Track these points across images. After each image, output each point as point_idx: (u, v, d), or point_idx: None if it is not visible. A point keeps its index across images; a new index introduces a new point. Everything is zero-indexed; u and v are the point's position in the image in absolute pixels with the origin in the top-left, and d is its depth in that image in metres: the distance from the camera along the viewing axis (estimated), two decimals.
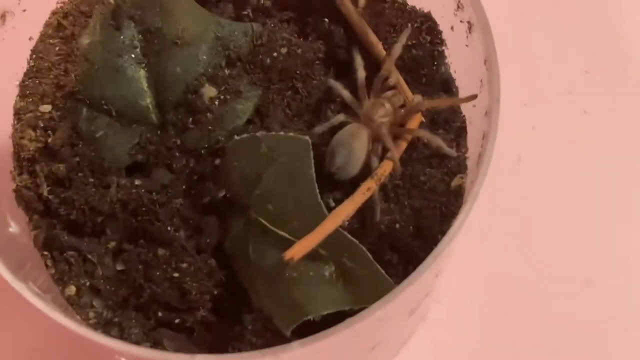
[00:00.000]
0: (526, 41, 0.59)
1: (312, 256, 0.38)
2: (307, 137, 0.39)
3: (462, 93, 0.44)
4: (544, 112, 0.58)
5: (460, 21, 0.40)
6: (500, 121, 0.55)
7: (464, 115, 0.43)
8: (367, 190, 0.39)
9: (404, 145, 0.42)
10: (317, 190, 0.38)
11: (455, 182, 0.42)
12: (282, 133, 0.40)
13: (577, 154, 0.57)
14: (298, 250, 0.36)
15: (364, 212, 0.41)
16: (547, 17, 0.60)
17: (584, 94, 0.59)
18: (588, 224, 0.55)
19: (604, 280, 0.53)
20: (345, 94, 0.42)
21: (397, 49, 0.42)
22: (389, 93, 0.42)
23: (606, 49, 0.60)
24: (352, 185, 0.41)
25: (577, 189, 0.56)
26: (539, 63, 0.59)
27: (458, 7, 0.40)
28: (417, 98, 0.42)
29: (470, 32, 0.39)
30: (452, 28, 0.42)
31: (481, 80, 0.38)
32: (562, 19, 0.61)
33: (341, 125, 0.42)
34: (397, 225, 0.41)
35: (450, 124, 0.43)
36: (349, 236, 0.38)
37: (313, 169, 0.39)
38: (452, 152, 0.42)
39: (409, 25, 0.43)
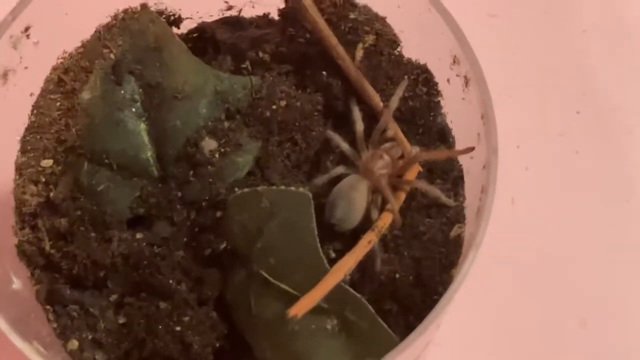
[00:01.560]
0: (517, 83, 0.60)
1: (314, 309, 0.38)
2: (307, 192, 0.39)
3: (459, 142, 0.44)
4: (537, 153, 0.59)
5: (457, 75, 0.41)
6: None
7: (461, 165, 0.44)
8: (368, 243, 0.40)
9: (402, 196, 0.42)
10: (319, 244, 0.39)
11: (454, 231, 0.42)
12: (283, 187, 0.40)
13: (570, 194, 0.58)
14: (301, 307, 0.36)
15: (364, 262, 0.41)
16: (537, 59, 0.61)
17: (576, 134, 0.59)
18: (583, 265, 0.55)
19: (598, 321, 0.53)
20: (344, 145, 0.42)
21: (395, 101, 0.42)
22: (388, 145, 0.42)
23: (597, 89, 0.61)
24: (352, 236, 0.41)
25: (571, 230, 0.56)
26: (530, 105, 0.60)
27: (454, 61, 0.40)
28: (415, 149, 0.42)
29: (466, 87, 0.40)
30: (448, 81, 0.42)
31: (478, 134, 0.38)
32: (551, 60, 0.61)
33: (340, 177, 0.42)
34: (397, 275, 0.41)
35: (448, 173, 0.43)
36: (351, 290, 0.38)
37: (314, 223, 0.39)
38: (450, 201, 0.42)
39: (406, 77, 0.43)
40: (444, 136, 0.44)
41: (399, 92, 0.42)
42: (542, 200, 0.57)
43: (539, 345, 0.53)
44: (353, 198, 0.41)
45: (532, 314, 0.54)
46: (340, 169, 0.42)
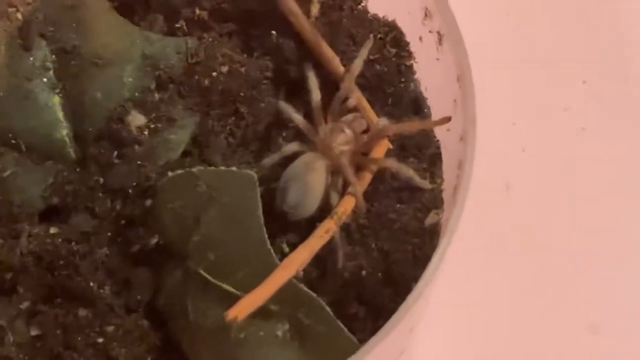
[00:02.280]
0: (513, 49, 0.59)
1: (261, 313, 0.38)
2: (252, 172, 0.39)
3: (435, 114, 0.43)
4: (536, 131, 0.58)
5: (430, 31, 0.40)
6: (485, 144, 0.55)
7: (438, 140, 0.43)
8: (325, 232, 0.39)
9: (368, 177, 0.42)
10: (266, 235, 0.38)
11: (429, 219, 0.41)
12: (223, 168, 0.40)
13: (575, 179, 0.57)
14: (243, 308, 0.36)
15: (324, 258, 0.40)
16: (537, 21, 0.61)
17: (582, 108, 0.59)
18: (589, 260, 0.55)
19: (610, 326, 0.53)
20: (298, 118, 0.42)
21: (358, 65, 0.42)
22: (349, 116, 0.42)
23: (606, 55, 0.61)
24: (309, 227, 0.40)
25: (575, 220, 0.56)
26: (528, 74, 0.60)
27: (426, 14, 0.40)
28: (383, 121, 0.42)
29: (440, 44, 0.39)
30: (420, 39, 0.42)
31: (455, 100, 0.38)
32: (554, 23, 0.61)
33: (295, 156, 0.42)
34: (364, 272, 0.41)
35: (423, 150, 0.43)
36: (305, 288, 0.38)
37: (260, 210, 0.38)
38: (426, 183, 0.42)
39: (371, 36, 0.43)
40: (417, 106, 0.44)
41: (363, 54, 0.42)
42: (541, 187, 0.57)
43: (541, 355, 0.52)
44: (309, 180, 0.40)
45: (533, 319, 0.54)
46: (293, 146, 0.41)
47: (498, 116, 0.57)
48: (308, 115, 0.42)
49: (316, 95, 0.42)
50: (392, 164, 0.41)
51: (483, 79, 0.55)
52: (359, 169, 0.41)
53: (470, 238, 0.54)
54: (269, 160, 0.41)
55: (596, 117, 0.58)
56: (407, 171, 0.41)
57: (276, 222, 0.41)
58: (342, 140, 0.41)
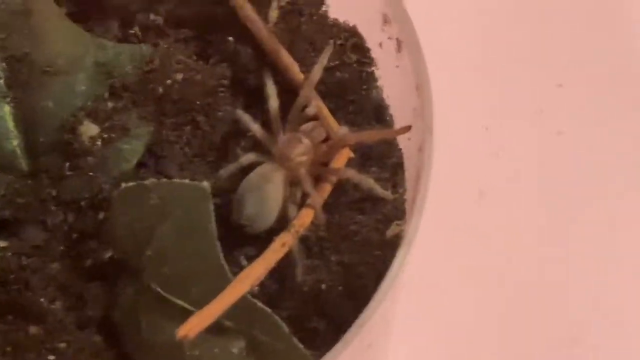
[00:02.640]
0: (486, 51, 0.60)
1: (216, 330, 0.38)
2: (205, 184, 0.39)
3: (398, 122, 0.44)
4: (510, 135, 0.59)
5: (389, 38, 0.41)
6: (457, 149, 0.56)
7: (401, 149, 0.44)
8: (281, 246, 0.39)
9: (328, 188, 0.42)
10: (220, 249, 0.38)
11: (391, 230, 0.42)
12: (176, 180, 0.40)
13: (551, 186, 0.58)
14: (195, 325, 0.36)
15: (282, 271, 0.41)
16: (511, 23, 0.61)
17: (558, 111, 0.60)
18: (568, 271, 0.56)
19: (591, 341, 0.54)
20: (255, 127, 0.42)
21: (317, 72, 0.42)
22: (308, 125, 0.42)
23: (582, 57, 0.61)
24: (268, 239, 0.41)
25: (553, 230, 0.57)
26: (501, 76, 0.60)
27: (385, 20, 0.40)
28: (343, 130, 0.42)
29: (399, 52, 0.40)
30: (380, 45, 0.42)
31: (414, 109, 0.39)
32: (528, 24, 0.62)
33: (252, 166, 0.42)
34: (324, 286, 0.41)
35: (385, 159, 0.43)
36: (259, 304, 0.38)
37: (214, 223, 0.39)
38: (387, 194, 0.42)
39: (331, 42, 0.43)
40: (379, 113, 0.44)
41: (323, 61, 0.42)
42: (516, 194, 0.58)
43: None
44: (266, 192, 0.41)
45: (509, 332, 0.55)
46: (251, 157, 0.42)
47: (471, 120, 0.58)
48: (266, 124, 0.43)
49: (274, 103, 0.42)
50: (353, 174, 0.42)
51: (455, 82, 0.56)
52: (318, 179, 0.42)
53: (442, 247, 0.55)
54: (226, 171, 0.42)
55: (572, 121, 0.59)
56: (368, 182, 0.41)
57: (234, 234, 0.41)
58: (301, 150, 0.41)
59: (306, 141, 0.42)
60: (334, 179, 0.42)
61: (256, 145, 0.43)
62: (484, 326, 0.55)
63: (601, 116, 0.60)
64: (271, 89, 0.42)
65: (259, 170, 0.42)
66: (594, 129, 0.59)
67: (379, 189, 0.42)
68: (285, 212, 0.41)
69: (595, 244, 0.57)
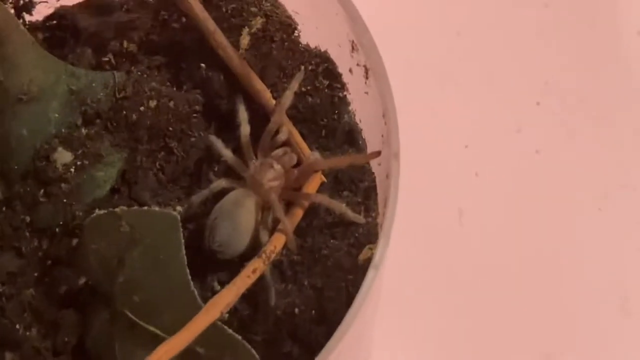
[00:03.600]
0: (463, 70, 0.60)
1: (188, 356, 0.38)
2: (175, 213, 0.39)
3: (371, 146, 0.44)
4: (489, 154, 0.59)
5: (357, 64, 0.41)
6: (437, 168, 0.56)
7: (373, 173, 0.44)
8: (252, 272, 0.40)
9: (299, 213, 0.42)
10: (189, 277, 0.39)
11: (363, 254, 0.42)
12: (145, 208, 0.40)
13: (531, 204, 0.58)
14: (164, 353, 0.36)
15: (255, 295, 0.41)
16: (489, 42, 0.62)
17: (536, 130, 0.60)
18: (545, 291, 0.56)
19: (564, 356, 0.54)
20: (227, 153, 0.42)
21: (288, 97, 0.42)
22: (279, 151, 0.42)
23: (560, 75, 0.61)
24: (241, 264, 0.41)
25: (533, 248, 0.57)
26: (480, 96, 0.60)
27: (353, 47, 0.40)
28: (314, 156, 0.42)
29: (367, 78, 0.40)
30: (350, 71, 0.42)
31: (382, 135, 0.39)
32: (506, 43, 0.62)
33: (225, 192, 0.42)
34: (297, 310, 0.41)
35: (357, 183, 0.44)
36: (229, 331, 0.38)
37: (183, 251, 0.39)
38: (360, 218, 0.42)
39: (302, 68, 0.43)
40: (352, 138, 0.45)
41: (294, 86, 0.42)
42: (496, 213, 0.58)
43: None
44: (237, 218, 0.41)
45: (484, 350, 0.55)
46: (222, 183, 0.42)
47: (450, 139, 0.58)
48: (239, 149, 0.43)
49: (245, 129, 0.42)
50: (324, 199, 0.42)
51: (433, 101, 0.56)
52: (290, 204, 0.42)
53: (423, 266, 0.55)
54: (198, 197, 0.42)
55: (550, 140, 0.59)
56: (339, 206, 0.42)
57: (207, 260, 0.41)
58: (272, 175, 0.42)
59: (278, 167, 0.42)
60: (305, 203, 0.42)
61: (229, 171, 0.43)
62: (464, 345, 0.55)
63: (578, 134, 0.60)
64: (243, 115, 0.43)
65: (230, 196, 0.42)
66: (571, 147, 0.59)
67: (350, 213, 0.42)
68: (257, 237, 0.41)
69: (574, 260, 0.57)
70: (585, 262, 0.56)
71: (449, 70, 0.61)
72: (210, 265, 0.41)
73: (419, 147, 0.52)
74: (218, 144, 0.43)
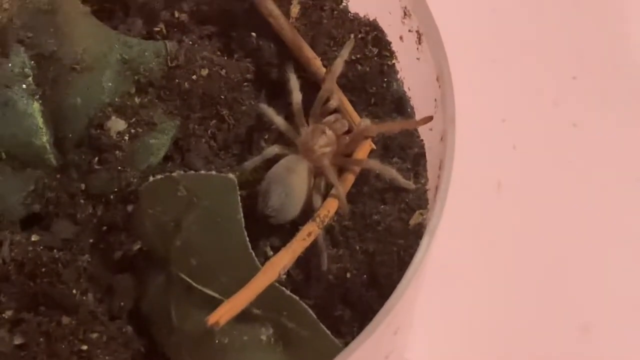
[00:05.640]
0: (500, 45, 0.60)
1: (245, 317, 0.39)
2: (232, 176, 0.40)
3: (419, 113, 0.44)
4: (526, 128, 0.59)
5: (409, 30, 0.41)
6: (475, 142, 0.56)
7: (422, 140, 0.44)
8: (307, 235, 0.40)
9: (351, 178, 0.42)
10: (247, 239, 0.39)
11: (414, 219, 0.42)
12: (203, 172, 0.41)
13: (568, 176, 0.58)
14: (224, 313, 0.37)
15: (308, 260, 0.41)
16: (524, 16, 0.62)
17: (572, 104, 0.60)
18: (584, 263, 0.56)
19: (603, 327, 0.54)
20: (279, 120, 0.43)
21: (339, 65, 0.42)
22: (331, 118, 0.43)
23: (596, 49, 0.61)
24: (293, 229, 0.41)
25: (570, 220, 0.57)
26: (517, 70, 0.60)
27: (405, 14, 0.41)
28: (365, 122, 0.43)
29: (420, 44, 0.40)
30: (401, 38, 0.43)
31: (435, 100, 0.39)
32: (541, 17, 0.62)
33: (277, 159, 0.42)
34: (349, 275, 0.41)
35: (406, 150, 0.44)
36: (287, 292, 0.39)
37: (241, 214, 0.39)
38: (410, 184, 0.42)
39: (352, 36, 0.44)
40: (400, 106, 0.45)
41: (344, 54, 0.43)
42: (533, 185, 0.58)
43: (532, 356, 0.53)
44: (290, 183, 0.41)
45: (526, 320, 0.55)
46: (275, 149, 0.42)
47: (488, 113, 0.58)
48: (290, 117, 0.43)
49: (297, 96, 0.43)
50: (375, 164, 0.42)
51: (472, 76, 0.56)
52: (341, 170, 0.42)
53: (462, 237, 0.55)
54: (250, 163, 0.42)
55: (587, 113, 0.59)
56: (390, 172, 0.42)
57: (260, 225, 0.41)
58: (324, 142, 0.42)
59: (329, 133, 0.42)
60: (356, 169, 0.42)
61: (280, 138, 0.43)
62: (502, 313, 0.55)
63: (615, 107, 0.60)
64: (294, 83, 0.43)
65: (283, 162, 0.42)
66: (608, 120, 0.59)
67: (400, 179, 0.42)
68: (310, 203, 0.42)
69: (611, 232, 0.57)
70: (624, 233, 0.56)
71: (485, 45, 0.61)
72: (262, 230, 0.42)
73: (458, 120, 0.52)
74: (269, 111, 0.43)
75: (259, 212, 0.42)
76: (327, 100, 0.43)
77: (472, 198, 0.57)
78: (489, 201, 0.57)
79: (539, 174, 0.58)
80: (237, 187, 0.39)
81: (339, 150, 0.43)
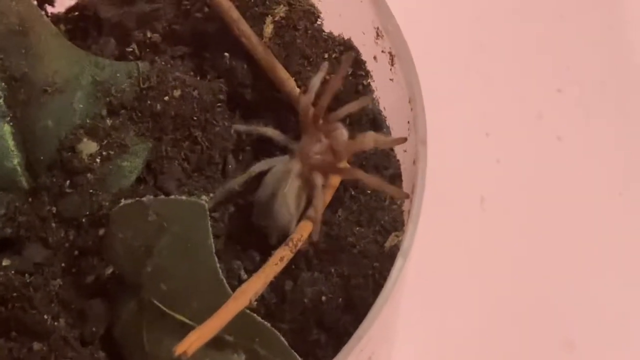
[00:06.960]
0: (484, 58, 0.60)
1: (217, 344, 0.38)
2: (202, 201, 0.39)
3: (394, 133, 0.44)
4: (510, 142, 0.59)
5: (382, 51, 0.41)
6: (458, 156, 0.56)
7: (398, 160, 0.44)
8: (280, 260, 0.39)
9: (331, 190, 0.42)
10: (217, 264, 0.39)
11: (389, 242, 0.42)
12: (173, 197, 0.40)
13: (552, 191, 0.58)
14: (193, 341, 0.36)
15: (283, 284, 0.41)
16: (509, 29, 0.61)
17: (557, 117, 0.59)
18: (567, 277, 0.56)
19: (585, 343, 0.54)
20: (270, 130, 0.42)
21: (315, 85, 0.41)
22: (331, 127, 0.42)
23: (580, 62, 0.61)
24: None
25: (554, 234, 0.57)
26: (501, 83, 0.60)
27: (377, 34, 0.40)
28: (369, 134, 0.41)
29: (392, 65, 0.40)
30: (375, 58, 0.42)
31: (408, 122, 0.39)
32: (527, 30, 0.61)
33: (261, 175, 0.42)
34: (324, 298, 0.41)
35: (382, 170, 0.43)
36: (259, 318, 0.38)
37: (211, 239, 0.39)
38: (400, 191, 0.42)
39: (326, 59, 0.43)
40: (376, 125, 0.44)
41: (320, 74, 0.42)
42: (517, 199, 0.57)
43: None
44: (284, 194, 0.41)
45: (510, 337, 0.55)
46: (263, 165, 0.42)
47: (471, 127, 0.58)
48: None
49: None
50: (361, 174, 0.41)
51: (455, 89, 0.56)
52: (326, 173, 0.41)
53: (445, 252, 0.55)
54: (236, 182, 0.42)
55: (571, 127, 0.59)
56: (376, 180, 0.41)
57: (242, 241, 0.42)
58: (318, 148, 0.41)
59: (325, 141, 0.41)
60: (336, 183, 0.42)
61: (257, 158, 0.43)
62: (486, 329, 0.55)
63: (599, 121, 0.60)
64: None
65: (275, 174, 0.41)
66: (593, 134, 0.59)
67: (388, 187, 0.41)
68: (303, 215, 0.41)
69: (595, 247, 0.57)
70: (608, 247, 0.55)
71: (469, 58, 0.60)
72: (239, 250, 0.42)
73: (440, 135, 0.52)
74: (252, 128, 0.42)
75: (255, 223, 0.41)
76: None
77: (455, 213, 0.57)
78: (472, 216, 0.57)
79: (523, 188, 0.58)
80: (207, 212, 0.39)
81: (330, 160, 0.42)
